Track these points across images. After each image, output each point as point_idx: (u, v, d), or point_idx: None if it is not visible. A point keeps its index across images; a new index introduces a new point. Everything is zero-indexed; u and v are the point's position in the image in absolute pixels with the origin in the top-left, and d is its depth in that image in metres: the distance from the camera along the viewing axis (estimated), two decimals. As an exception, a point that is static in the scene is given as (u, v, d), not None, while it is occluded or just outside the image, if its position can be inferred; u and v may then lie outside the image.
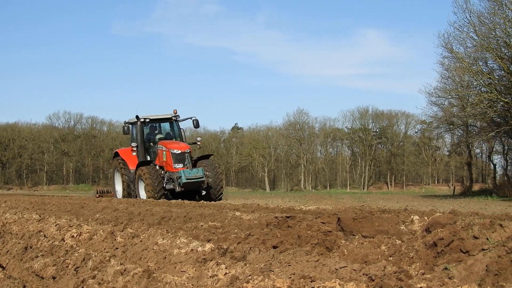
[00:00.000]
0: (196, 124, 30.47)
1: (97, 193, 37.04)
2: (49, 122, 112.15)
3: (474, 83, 41.98)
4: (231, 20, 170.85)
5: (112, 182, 32.40)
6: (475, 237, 5.56)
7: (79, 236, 9.51)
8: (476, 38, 40.26)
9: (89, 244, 9.01)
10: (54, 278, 6.73)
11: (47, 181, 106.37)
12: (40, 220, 12.69)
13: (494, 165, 56.32)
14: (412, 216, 7.88)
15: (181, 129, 31.24)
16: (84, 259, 6.96)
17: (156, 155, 29.46)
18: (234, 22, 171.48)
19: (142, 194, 27.86)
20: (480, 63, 41.50)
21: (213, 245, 7.18)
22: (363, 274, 4.94)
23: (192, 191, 28.31)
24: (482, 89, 40.84)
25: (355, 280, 4.85)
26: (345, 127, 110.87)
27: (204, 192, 28.31)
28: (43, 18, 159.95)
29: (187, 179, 26.97)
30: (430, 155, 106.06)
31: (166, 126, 31.70)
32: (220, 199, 28.51)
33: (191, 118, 30.63)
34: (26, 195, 40.14)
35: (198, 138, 31.30)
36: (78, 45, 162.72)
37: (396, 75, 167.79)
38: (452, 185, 80.00)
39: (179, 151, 27.96)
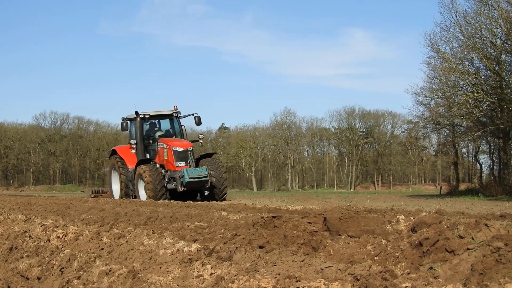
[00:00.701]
0: (198, 121, 29.55)
1: (92, 193, 36.38)
2: (36, 122, 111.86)
3: (460, 83, 42.07)
4: (218, 20, 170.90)
5: (109, 181, 31.36)
6: (461, 237, 5.58)
7: (65, 236, 9.47)
8: (462, 38, 40.37)
9: (74, 245, 8.98)
10: (39, 278, 6.71)
11: (34, 181, 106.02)
12: (26, 220, 12.65)
13: (481, 165, 56.45)
14: (398, 216, 7.89)
15: (182, 126, 30.28)
16: (69, 259, 6.93)
17: (156, 153, 28.60)
18: (221, 22, 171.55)
19: (142, 194, 27.01)
20: (466, 63, 41.61)
21: (199, 245, 7.17)
22: (349, 274, 4.94)
23: (193, 191, 27.64)
24: (468, 89, 40.94)
25: (340, 280, 4.85)
26: (332, 127, 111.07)
27: (207, 192, 27.55)
28: (29, 17, 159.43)
29: (190, 178, 25.98)
30: (416, 154, 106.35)
31: (166, 123, 30.78)
32: (224, 199, 27.72)
33: (192, 114, 29.74)
34: (12, 196, 39.89)
35: (200, 136, 30.50)
36: (64, 45, 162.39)
37: (382, 75, 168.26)
38: (438, 184, 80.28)
39: (182, 149, 27.07)
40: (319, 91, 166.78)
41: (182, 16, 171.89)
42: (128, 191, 28.74)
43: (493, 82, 40.25)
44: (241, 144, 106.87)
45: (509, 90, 39.56)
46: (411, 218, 7.73)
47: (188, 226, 10.42)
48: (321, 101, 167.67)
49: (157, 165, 27.51)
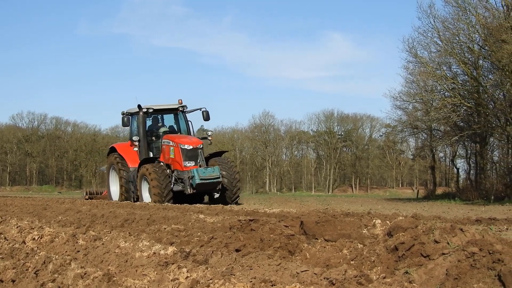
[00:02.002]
0: (206, 116, 27.03)
1: (86, 194, 33.79)
2: (13, 122, 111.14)
3: (438, 87, 42.30)
4: (197, 21, 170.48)
5: (107, 182, 28.98)
6: (436, 241, 5.61)
7: (41, 238, 9.42)
8: (440, 43, 40.62)
9: (50, 247, 8.93)
10: (13, 281, 6.66)
11: (10, 181, 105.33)
12: (1, 222, 12.58)
13: (457, 169, 56.73)
14: (374, 220, 7.92)
15: (189, 122, 27.80)
16: (44, 262, 6.89)
17: (159, 151, 26.28)
18: (200, 23, 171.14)
19: (146, 196, 24.88)
20: (444, 68, 41.84)
21: (175, 248, 7.16)
22: (324, 278, 4.95)
23: (199, 194, 25.63)
24: (445, 93, 41.19)
25: (315, 284, 4.87)
26: (311, 130, 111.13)
27: (217, 195, 25.29)
28: (6, 19, 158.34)
29: (201, 179, 23.71)
30: (394, 158, 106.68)
31: (169, 118, 28.41)
32: (237, 202, 25.49)
33: (200, 109, 27.23)
34: (-12, 196, 39.62)
35: (209, 132, 27.67)
36: (43, 46, 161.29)
37: (361, 78, 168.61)
38: (416, 188, 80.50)
39: (191, 147, 24.74)
40: (297, 94, 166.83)
41: (161, 17, 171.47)
42: (129, 193, 26.59)
43: (470, 87, 40.54)
44: (219, 146, 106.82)
45: (486, 95, 39.85)
46: (388, 222, 7.75)
47: (165, 228, 10.39)
48: (299, 104, 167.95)
49: (163, 164, 25.24)
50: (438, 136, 49.10)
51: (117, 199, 26.85)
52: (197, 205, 21.46)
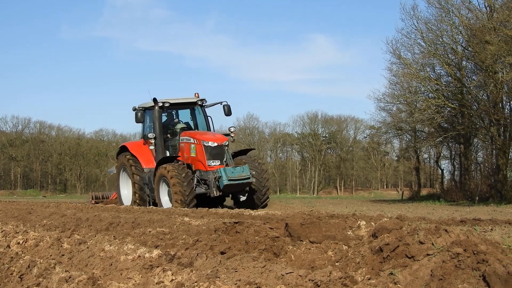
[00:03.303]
0: (228, 111, 24.69)
1: (92, 199, 31.67)
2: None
3: (422, 89, 42.54)
4: (180, 24, 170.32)
5: (117, 185, 26.35)
6: (421, 242, 5.62)
7: (25, 242, 9.38)
8: (423, 44, 40.87)
9: (35, 251, 8.90)
10: (-2, 285, 6.64)
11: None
12: (-15, 226, 12.51)
13: (442, 170, 56.97)
14: (359, 222, 7.92)
15: (208, 117, 25.24)
16: (29, 266, 6.87)
17: (176, 150, 24.18)
18: (183, 26, 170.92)
19: (165, 200, 22.61)
20: (428, 69, 42.12)
21: (160, 251, 7.15)
22: (309, 280, 4.95)
23: (224, 196, 23.55)
24: (429, 95, 41.40)
25: (300, 286, 4.87)
26: (295, 132, 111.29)
27: (243, 198, 23.17)
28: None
29: (229, 180, 21.45)
30: (379, 160, 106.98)
31: (185, 113, 25.98)
32: (266, 205, 23.35)
33: (220, 103, 24.92)
34: (-28, 201, 39.41)
35: (232, 128, 24.93)
36: (25, 50, 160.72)
37: (344, 80, 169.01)
38: (400, 189, 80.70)
39: (215, 144, 22.32)
40: (281, 96, 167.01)
41: (144, 20, 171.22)
42: (144, 197, 24.19)
43: (454, 88, 40.79)
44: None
45: (469, 96, 40.09)
46: (372, 223, 7.76)
47: (150, 231, 10.37)
48: (284, 106, 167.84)
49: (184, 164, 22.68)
50: (422, 138, 49.42)
51: (129, 203, 24.68)
52: (181, 208, 20.95)
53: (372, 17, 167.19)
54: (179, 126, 25.08)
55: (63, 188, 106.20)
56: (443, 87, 41.11)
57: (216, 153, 22.28)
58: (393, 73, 44.70)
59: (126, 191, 25.57)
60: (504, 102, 39.01)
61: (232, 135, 24.47)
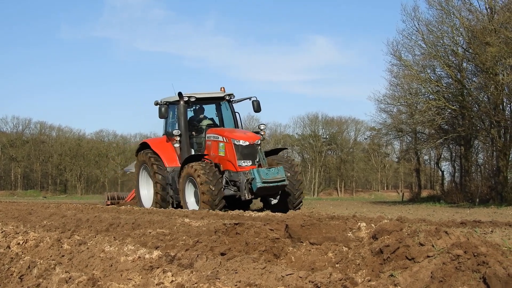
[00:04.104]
0: (257, 107, 23.32)
1: (108, 199, 30.42)
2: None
3: (422, 90, 42.51)
4: (179, 25, 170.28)
5: (136, 184, 24.81)
6: (421, 244, 5.61)
7: (25, 243, 9.38)
8: (424, 46, 40.87)
9: (35, 252, 8.90)
10: (-2, 286, 6.64)
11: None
12: (-15, 227, 12.51)
13: (442, 172, 57.01)
14: (359, 223, 7.93)
15: (236, 113, 23.83)
16: (29, 266, 6.87)
17: (202, 148, 22.71)
18: (182, 27, 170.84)
19: (191, 202, 21.17)
20: (428, 71, 42.08)
21: (160, 252, 7.15)
22: (309, 282, 4.95)
23: (249, 200, 21.30)
24: (430, 96, 41.40)
25: (300, 287, 4.87)
26: (296, 133, 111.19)
27: (275, 201, 21.77)
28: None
29: (263, 182, 19.85)
30: (379, 161, 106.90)
31: (210, 109, 24.50)
32: (299, 208, 21.31)
33: (249, 98, 23.52)
34: (-27, 201, 39.39)
35: (262, 126, 22.94)
36: (25, 49, 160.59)
37: (345, 81, 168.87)
38: (401, 191, 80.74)
39: (247, 143, 20.80)
40: (282, 97, 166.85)
41: (144, 21, 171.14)
42: (166, 197, 22.74)
43: (454, 90, 40.79)
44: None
45: (470, 98, 40.07)
46: (373, 225, 7.77)
47: (150, 232, 10.37)
48: (284, 107, 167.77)
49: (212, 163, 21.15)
50: (422, 139, 49.41)
51: (149, 206, 23.07)
52: (182, 209, 20.74)
53: (372, 18, 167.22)
54: (205, 122, 23.68)
55: (63, 188, 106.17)
56: (444, 89, 41.11)
57: (248, 152, 20.82)
58: (393, 74, 44.73)
59: (146, 192, 24.16)
60: (504, 104, 39.01)
61: (262, 133, 22.62)
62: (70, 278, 5.98)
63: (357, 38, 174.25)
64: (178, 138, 22.38)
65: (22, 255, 7.96)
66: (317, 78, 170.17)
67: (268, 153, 22.30)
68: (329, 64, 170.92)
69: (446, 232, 5.74)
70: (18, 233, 10.22)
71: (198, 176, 20.02)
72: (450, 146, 49.72)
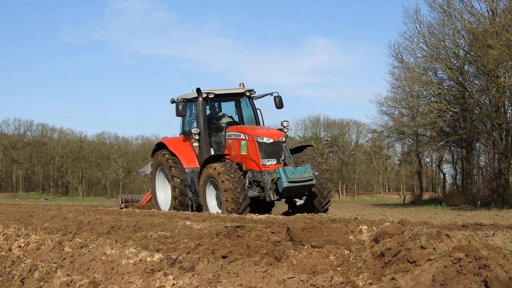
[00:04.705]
0: (279, 103, 22.03)
1: (122, 202, 28.59)
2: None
3: (424, 93, 42.58)
4: (181, 28, 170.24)
5: (152, 186, 23.55)
6: (422, 247, 5.61)
7: (27, 246, 9.38)
8: (426, 48, 40.91)
9: (36, 254, 8.89)
10: (-1, 289, 6.64)
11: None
12: (-14, 229, 12.51)
13: (444, 174, 57.06)
14: (361, 226, 7.92)
15: (257, 110, 22.53)
16: (30, 269, 6.87)
17: (221, 147, 21.43)
18: (184, 30, 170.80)
19: (212, 204, 19.88)
20: (430, 73, 42.10)
21: (162, 255, 7.14)
22: (310, 285, 4.95)
23: (272, 201, 20.06)
24: (431, 99, 41.44)
25: (302, 291, 4.87)
26: (297, 135, 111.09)
27: (300, 202, 20.48)
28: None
29: (290, 181, 18.55)
30: (381, 164, 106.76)
31: (229, 106, 23.22)
32: (327, 209, 20.62)
33: (271, 94, 22.23)
34: (-26, 204, 39.39)
35: (285, 123, 21.42)
36: (27, 52, 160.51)
37: (346, 84, 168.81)
38: (402, 193, 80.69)
39: (271, 140, 19.50)
40: (283, 100, 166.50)
41: (145, 23, 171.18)
42: (184, 202, 21.48)
43: (456, 92, 40.81)
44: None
45: (472, 100, 40.09)
46: (374, 228, 7.76)
47: (151, 235, 10.36)
48: (285, 109, 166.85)
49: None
50: (424, 142, 49.43)
51: (167, 208, 21.94)
52: (183, 211, 20.11)
53: (374, 21, 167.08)
54: (224, 120, 22.35)
55: (65, 191, 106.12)
56: (445, 91, 41.14)
57: (272, 150, 19.53)
58: (395, 77, 44.79)
59: (163, 194, 22.83)
60: (506, 107, 39.05)
61: (285, 131, 21.12)
62: (71, 281, 5.98)
63: (359, 40, 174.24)
64: (197, 137, 21.12)
65: (24, 258, 7.97)
66: (319, 80, 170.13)
67: (291, 151, 20.42)
68: (331, 66, 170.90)
69: (447, 235, 5.74)
70: (19, 236, 10.22)
71: (222, 181, 18.75)
72: (452, 148, 49.76)
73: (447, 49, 39.96)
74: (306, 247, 7.31)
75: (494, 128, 38.36)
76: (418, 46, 41.66)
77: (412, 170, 73.93)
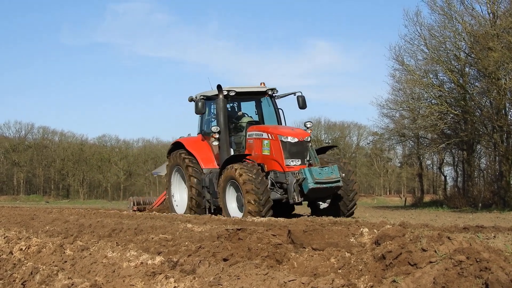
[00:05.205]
0: (302, 103, 21.23)
1: (134, 205, 27.46)
2: (0, 132, 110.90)
3: (425, 95, 42.53)
4: (181, 30, 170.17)
5: (168, 188, 22.67)
6: (423, 250, 5.61)
7: (28, 249, 9.39)
8: (426, 51, 40.87)
9: (37, 257, 8.90)
10: (0, 292, 6.64)
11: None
12: (-12, 232, 12.51)
13: (445, 177, 57.00)
14: (362, 229, 7.93)
15: (280, 109, 21.77)
16: (31, 272, 6.87)
17: (241, 147, 20.68)
18: (184, 32, 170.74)
19: (232, 207, 19.11)
20: (431, 76, 42.07)
21: (163, 258, 7.14)
22: (312, 288, 4.96)
23: (292, 204, 19.46)
24: (432, 101, 41.40)
25: (303, 293, 4.87)
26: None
27: (324, 205, 19.58)
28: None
29: (316, 183, 17.73)
30: (382, 166, 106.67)
31: (249, 105, 22.44)
32: (352, 213, 19.88)
33: (294, 93, 21.50)
34: (-25, 206, 39.39)
35: (308, 124, 20.48)
36: (28, 54, 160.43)
37: (347, 86, 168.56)
38: (403, 196, 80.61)
39: (296, 140, 18.69)
40: (283, 102, 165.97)
41: (146, 26, 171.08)
42: (201, 203, 20.78)
43: (457, 95, 40.81)
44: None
45: (472, 103, 40.08)
46: (375, 230, 7.77)
47: (152, 238, 10.37)
48: (286, 112, 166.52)
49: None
50: (425, 144, 49.37)
51: (182, 211, 21.19)
52: (183, 214, 19.98)
53: (375, 23, 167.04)
54: (244, 119, 21.55)
55: (66, 193, 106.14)
56: (446, 94, 41.12)
57: (297, 150, 18.71)
58: (396, 79, 44.76)
59: (179, 196, 22.17)
60: (507, 109, 39.01)
61: (309, 131, 20.07)
62: (72, 284, 5.99)
63: (359, 42, 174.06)
64: (217, 136, 20.32)
65: (25, 261, 7.97)
66: (319, 82, 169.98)
67: (316, 151, 19.57)
68: (331, 68, 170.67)
69: (448, 238, 5.74)
70: (20, 239, 10.22)
71: (244, 182, 17.95)
72: (453, 151, 49.71)
73: (448, 51, 39.95)
74: (307, 249, 7.32)
75: (495, 130, 38.34)
76: (419, 49, 41.67)
77: (413, 172, 73.89)
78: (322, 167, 18.19)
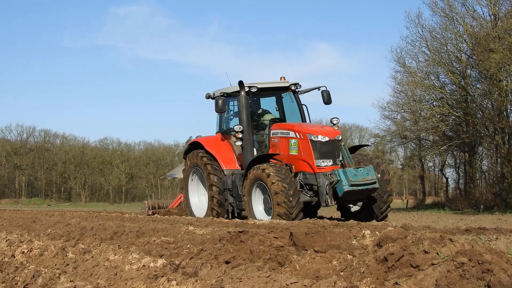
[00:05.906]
0: (327, 98, 19.70)
1: (149, 209, 26.22)
2: (1, 135, 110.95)
3: (426, 97, 42.53)
4: (182, 33, 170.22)
5: (185, 190, 21.18)
6: (425, 252, 5.61)
7: (30, 252, 9.38)
8: (428, 53, 40.89)
9: (39, 260, 8.89)
10: (2, 295, 6.64)
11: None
12: (-10, 235, 12.52)
13: (447, 179, 56.91)
14: (363, 231, 7.92)
15: (303, 105, 20.23)
16: (33, 275, 6.87)
17: (264, 146, 19.33)
18: (185, 35, 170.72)
19: (259, 210, 17.71)
20: (432, 78, 42.07)
21: (165, 261, 7.14)
22: (314, 290, 4.95)
23: (315, 206, 18.37)
24: (434, 103, 41.40)
25: (305, 296, 4.87)
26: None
27: (355, 208, 18.77)
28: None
29: (351, 185, 16.47)
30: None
31: (270, 101, 21.01)
32: (386, 216, 18.42)
33: (318, 88, 19.98)
34: (-23, 210, 39.41)
35: (335, 120, 18.65)
36: (29, 58, 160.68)
37: (348, 88, 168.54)
38: (405, 198, 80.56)
39: (326, 139, 17.27)
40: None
41: (147, 29, 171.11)
42: (224, 205, 19.31)
43: (458, 96, 40.79)
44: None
45: (474, 105, 40.06)
46: (377, 233, 7.76)
47: (154, 241, 10.35)
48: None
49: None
50: (427, 146, 49.37)
51: (202, 215, 19.82)
52: (185, 216, 19.81)
53: (376, 25, 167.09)
54: (267, 117, 20.09)
55: (67, 196, 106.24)
56: (448, 96, 41.13)
57: (328, 150, 17.32)
58: (397, 81, 44.76)
59: (197, 199, 20.87)
60: (508, 111, 38.96)
61: (336, 128, 18.55)
62: (74, 287, 5.98)
63: (361, 45, 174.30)
64: (240, 135, 18.77)
65: (27, 264, 7.97)
66: (320, 84, 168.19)
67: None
68: (332, 71, 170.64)
69: (450, 240, 5.74)
70: (22, 242, 10.23)
71: (272, 183, 16.60)
72: (454, 152, 49.66)
73: (449, 53, 39.97)
74: (309, 252, 7.31)
75: (496, 132, 38.34)
76: (420, 51, 41.69)
77: (414, 174, 73.87)
78: (357, 168, 17.01)
